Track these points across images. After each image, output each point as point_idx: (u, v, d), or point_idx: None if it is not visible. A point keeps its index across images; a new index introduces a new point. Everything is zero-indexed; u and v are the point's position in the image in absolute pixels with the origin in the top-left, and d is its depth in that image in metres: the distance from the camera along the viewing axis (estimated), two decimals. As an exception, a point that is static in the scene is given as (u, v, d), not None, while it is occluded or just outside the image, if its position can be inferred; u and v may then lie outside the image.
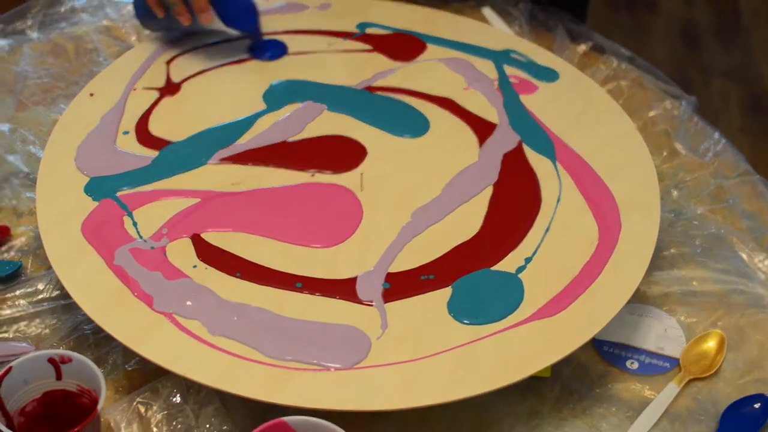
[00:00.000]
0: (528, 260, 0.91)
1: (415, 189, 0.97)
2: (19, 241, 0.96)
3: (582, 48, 1.23)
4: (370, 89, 1.09)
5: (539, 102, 1.09)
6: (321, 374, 0.81)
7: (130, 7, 1.24)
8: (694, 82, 2.47)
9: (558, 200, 0.97)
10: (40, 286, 0.92)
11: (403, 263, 0.90)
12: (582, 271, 0.90)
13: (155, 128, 1.02)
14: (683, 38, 2.62)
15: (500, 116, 1.07)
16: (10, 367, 0.76)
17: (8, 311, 0.90)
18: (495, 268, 0.90)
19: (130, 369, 0.86)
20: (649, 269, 0.91)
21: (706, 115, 1.18)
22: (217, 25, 1.13)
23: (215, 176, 0.97)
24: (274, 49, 1.14)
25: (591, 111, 1.08)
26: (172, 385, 0.84)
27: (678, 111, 1.16)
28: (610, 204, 0.96)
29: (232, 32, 1.15)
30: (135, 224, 0.92)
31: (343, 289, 0.88)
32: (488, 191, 0.98)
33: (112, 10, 1.24)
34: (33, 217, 0.95)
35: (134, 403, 0.83)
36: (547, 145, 1.03)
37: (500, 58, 1.14)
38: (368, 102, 1.07)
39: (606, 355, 0.91)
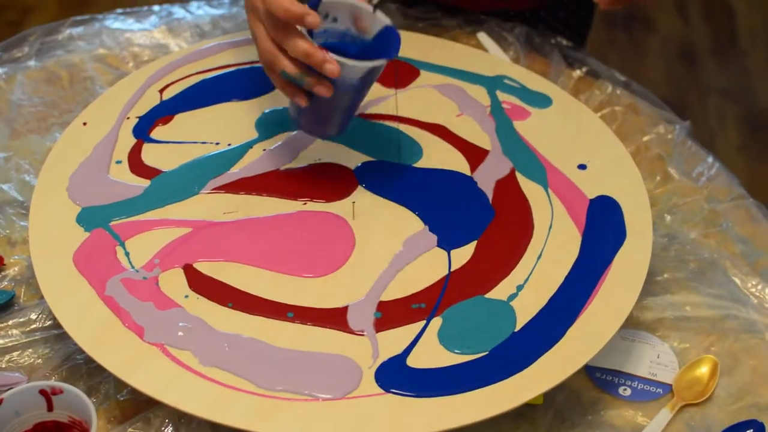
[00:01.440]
0: (520, 288, 0.91)
1: (407, 217, 0.97)
2: (12, 271, 0.96)
3: (577, 73, 1.22)
4: (363, 116, 1.09)
5: (532, 128, 1.08)
6: (312, 404, 0.81)
7: (128, 35, 1.24)
8: (691, 101, 2.47)
9: (550, 227, 0.97)
10: (33, 316, 0.92)
11: (395, 292, 0.90)
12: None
13: (148, 157, 1.02)
14: (680, 57, 2.62)
15: (492, 143, 1.06)
16: (1, 400, 0.76)
17: (1, 341, 0.90)
18: (487, 296, 0.90)
19: (122, 399, 0.86)
20: (642, 294, 0.91)
21: (702, 135, 1.18)
22: None
23: (207, 206, 0.97)
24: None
25: (583, 137, 1.08)
26: (164, 415, 0.84)
27: (672, 135, 1.16)
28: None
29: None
30: (127, 254, 0.92)
31: (335, 318, 0.88)
32: (480, 218, 0.98)
33: (108, 37, 1.23)
34: (27, 246, 0.94)
35: (126, 434, 0.84)
36: (540, 171, 1.03)
37: (493, 84, 1.14)
38: (361, 129, 1.07)
39: (599, 381, 0.91)
